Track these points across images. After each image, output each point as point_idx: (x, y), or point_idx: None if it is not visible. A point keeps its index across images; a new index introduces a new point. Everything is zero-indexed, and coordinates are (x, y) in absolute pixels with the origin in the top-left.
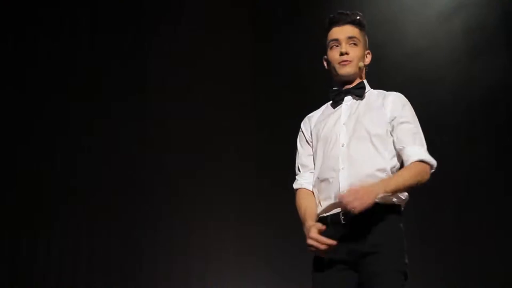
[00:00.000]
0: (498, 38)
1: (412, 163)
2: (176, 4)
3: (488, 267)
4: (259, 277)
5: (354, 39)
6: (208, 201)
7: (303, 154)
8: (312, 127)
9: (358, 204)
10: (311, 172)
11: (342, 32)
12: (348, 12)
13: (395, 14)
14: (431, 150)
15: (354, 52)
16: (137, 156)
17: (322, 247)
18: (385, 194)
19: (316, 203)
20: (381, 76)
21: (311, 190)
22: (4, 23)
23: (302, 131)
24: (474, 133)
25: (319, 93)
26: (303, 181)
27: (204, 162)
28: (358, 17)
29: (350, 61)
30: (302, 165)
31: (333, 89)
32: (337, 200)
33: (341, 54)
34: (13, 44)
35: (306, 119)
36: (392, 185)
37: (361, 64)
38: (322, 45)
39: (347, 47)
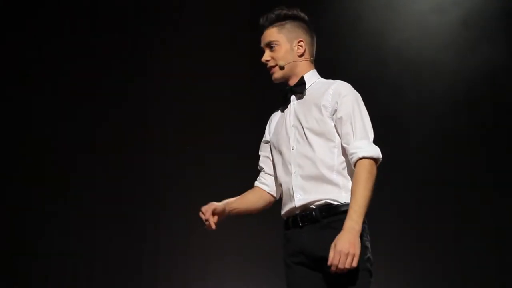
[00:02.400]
0: (497, 29)
1: (356, 164)
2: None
3: (488, 267)
4: (259, 277)
5: (271, 42)
6: (208, 201)
7: (262, 155)
8: (271, 129)
9: (351, 261)
10: (266, 173)
11: (262, 41)
12: (265, 16)
13: (392, 4)
14: (429, 141)
15: (275, 54)
16: (137, 156)
17: (203, 217)
18: (360, 223)
19: (253, 201)
20: (379, 64)
21: (265, 190)
22: (3, 21)
23: (266, 132)
24: (473, 127)
25: None
26: (259, 182)
27: (204, 162)
28: (273, 15)
29: (273, 66)
30: (260, 167)
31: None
32: (331, 270)
33: (265, 64)
34: (13, 43)
35: (270, 118)
36: (359, 211)
37: (281, 63)
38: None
39: (267, 54)
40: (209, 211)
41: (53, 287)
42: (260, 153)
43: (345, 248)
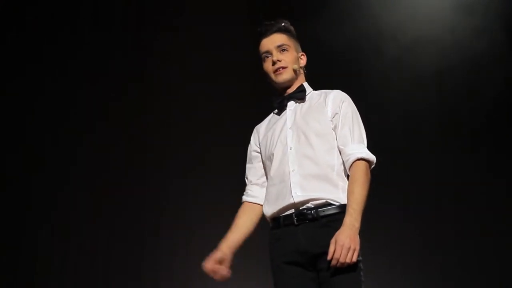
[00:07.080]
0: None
1: (352, 165)
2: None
3: (487, 265)
4: (259, 278)
5: (283, 46)
6: (209, 201)
7: (248, 167)
8: (260, 138)
9: (351, 256)
10: (253, 184)
11: (271, 42)
12: (273, 21)
13: None
14: (424, 133)
15: (286, 57)
16: (138, 155)
17: (210, 274)
18: (359, 221)
19: (247, 224)
20: (381, 43)
21: (254, 202)
22: (4, 19)
23: (251, 143)
24: (475, 123)
25: (320, 87)
26: (246, 195)
27: (205, 162)
28: (283, 24)
29: (284, 67)
30: (246, 178)
31: (276, 97)
32: (331, 264)
33: (274, 63)
34: (13, 42)
35: (255, 130)
36: (358, 209)
37: (295, 66)
38: (321, 40)
39: (278, 55)
40: (210, 268)
41: (54, 286)
42: (247, 165)
43: (347, 243)
